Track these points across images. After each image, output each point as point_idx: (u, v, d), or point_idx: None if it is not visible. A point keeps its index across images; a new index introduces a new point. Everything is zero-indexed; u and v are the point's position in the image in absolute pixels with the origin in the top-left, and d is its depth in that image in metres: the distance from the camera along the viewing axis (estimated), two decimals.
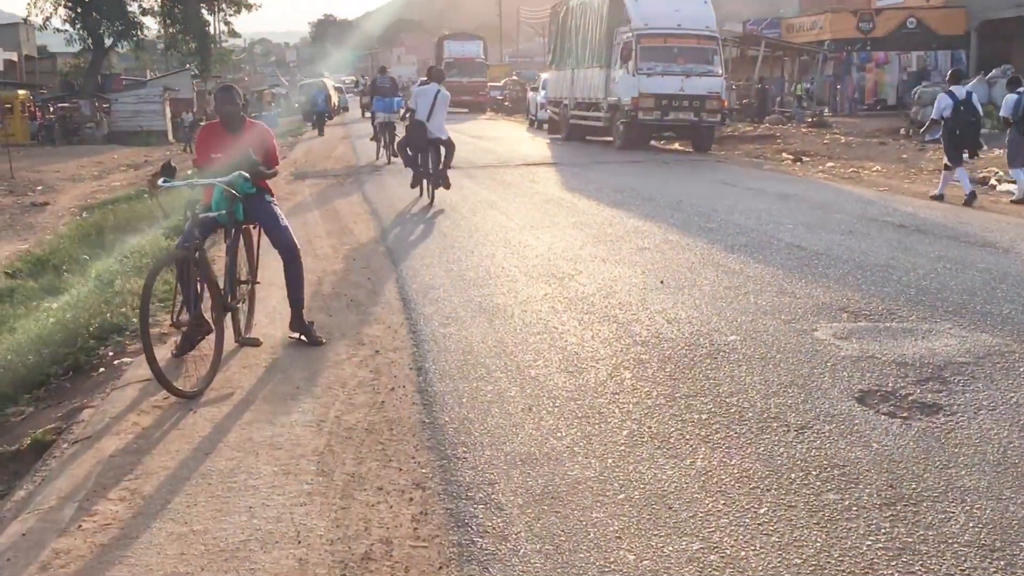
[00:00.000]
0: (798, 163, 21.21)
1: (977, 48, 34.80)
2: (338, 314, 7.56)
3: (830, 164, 20.60)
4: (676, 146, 26.76)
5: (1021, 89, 13.71)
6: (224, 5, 52.68)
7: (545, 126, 34.13)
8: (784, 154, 23.43)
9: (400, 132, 16.61)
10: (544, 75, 36.61)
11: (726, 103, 25.35)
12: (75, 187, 28.23)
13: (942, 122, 14.05)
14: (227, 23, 56.32)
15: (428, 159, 14.16)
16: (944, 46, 36.44)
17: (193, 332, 6.20)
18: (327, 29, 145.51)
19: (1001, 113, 14.38)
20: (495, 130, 36.12)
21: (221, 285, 6.28)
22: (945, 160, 14.25)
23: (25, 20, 51.87)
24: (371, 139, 22.97)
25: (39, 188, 27.28)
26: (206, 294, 6.04)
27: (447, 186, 14.13)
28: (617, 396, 5.35)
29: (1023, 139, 13.58)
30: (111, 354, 6.97)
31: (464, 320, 7.11)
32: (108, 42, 49.82)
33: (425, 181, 14.32)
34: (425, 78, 15.22)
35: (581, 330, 6.72)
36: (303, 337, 6.73)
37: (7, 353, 7.13)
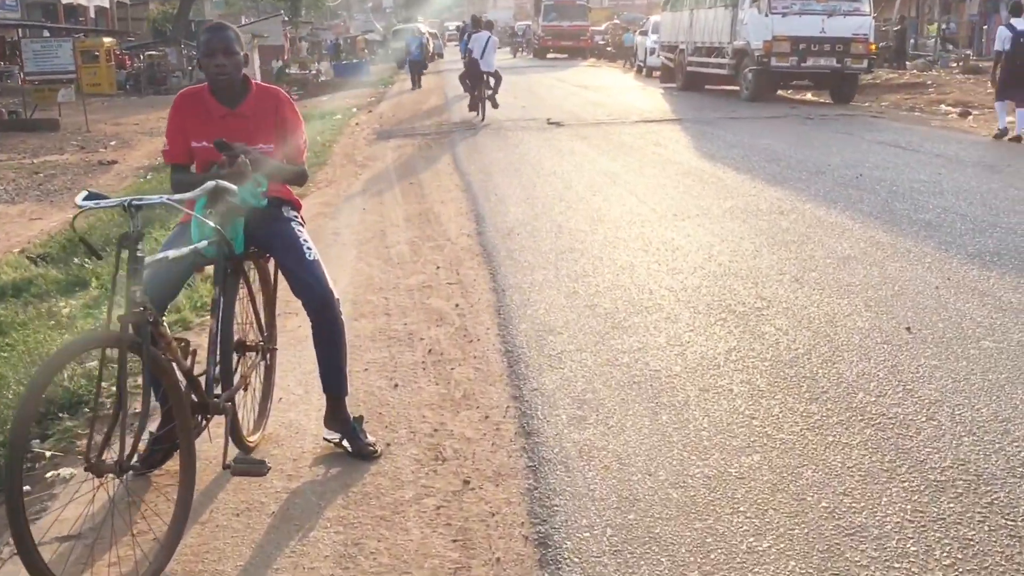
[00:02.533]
0: (968, 119, 17.76)
1: None
2: (408, 381, 4.88)
3: (1010, 120, 17.11)
4: (809, 96, 23.44)
5: None
6: None
7: (655, 73, 30.99)
8: (944, 106, 19.96)
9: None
10: (655, 17, 33.32)
11: (873, 46, 21.89)
12: (150, 142, 26.12)
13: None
14: None
15: (482, 88, 18.52)
16: None
17: (150, 457, 3.62)
18: None
19: None
20: (600, 78, 33.01)
21: (200, 372, 3.67)
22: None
23: None
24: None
25: (112, 143, 25.27)
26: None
27: (495, 106, 18.87)
28: None
29: None
30: (48, 455, 4.41)
31: (610, 410, 4.33)
32: None
33: (480, 106, 18.48)
34: (475, 28, 19.91)
35: (824, 452, 3.88)
36: (345, 444, 4.09)
37: None
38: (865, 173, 10.48)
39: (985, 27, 34.14)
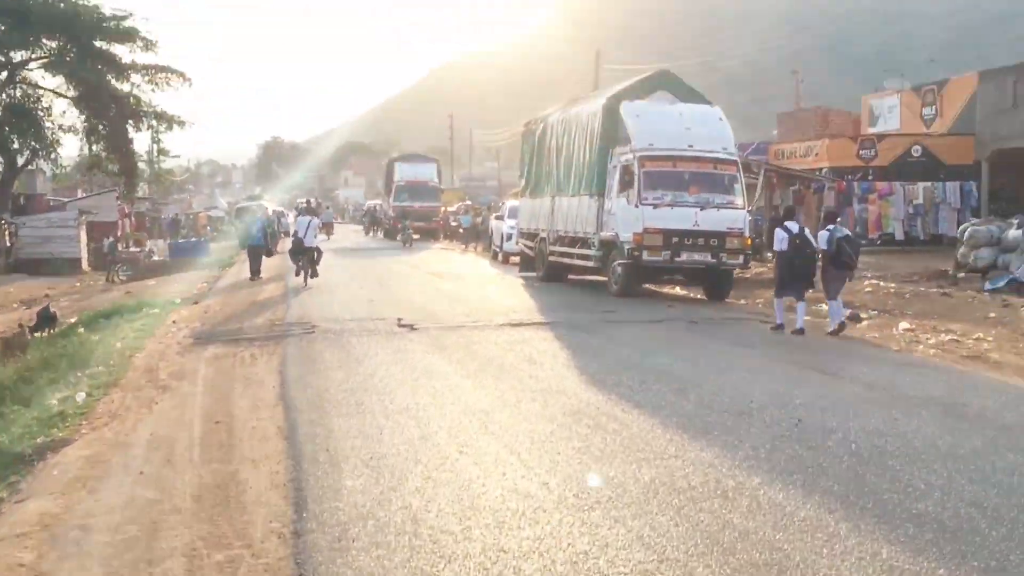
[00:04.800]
0: (856, 323, 16.14)
1: (988, 178, 30.79)
2: None
3: (904, 326, 15.57)
4: (678, 291, 21.83)
5: (831, 226, 14.58)
6: (154, 122, 46.92)
7: (513, 259, 29.27)
8: (823, 305, 18.47)
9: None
10: (513, 202, 31.92)
11: (750, 241, 20.55)
12: None
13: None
14: (157, 140, 51.27)
15: (305, 260, 23.14)
16: (952, 176, 32.42)
17: None
18: (275, 151, 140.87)
19: (819, 247, 14.58)
20: (454, 264, 31.10)
21: None
22: (775, 290, 15.16)
23: None
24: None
25: None
26: None
27: (315, 275, 23.22)
28: None
29: (837, 272, 14.42)
30: None
31: None
32: (20, 161, 44.21)
33: (304, 273, 23.01)
34: (303, 213, 27.29)
35: None
36: None
37: None
38: (804, 419, 8.27)
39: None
